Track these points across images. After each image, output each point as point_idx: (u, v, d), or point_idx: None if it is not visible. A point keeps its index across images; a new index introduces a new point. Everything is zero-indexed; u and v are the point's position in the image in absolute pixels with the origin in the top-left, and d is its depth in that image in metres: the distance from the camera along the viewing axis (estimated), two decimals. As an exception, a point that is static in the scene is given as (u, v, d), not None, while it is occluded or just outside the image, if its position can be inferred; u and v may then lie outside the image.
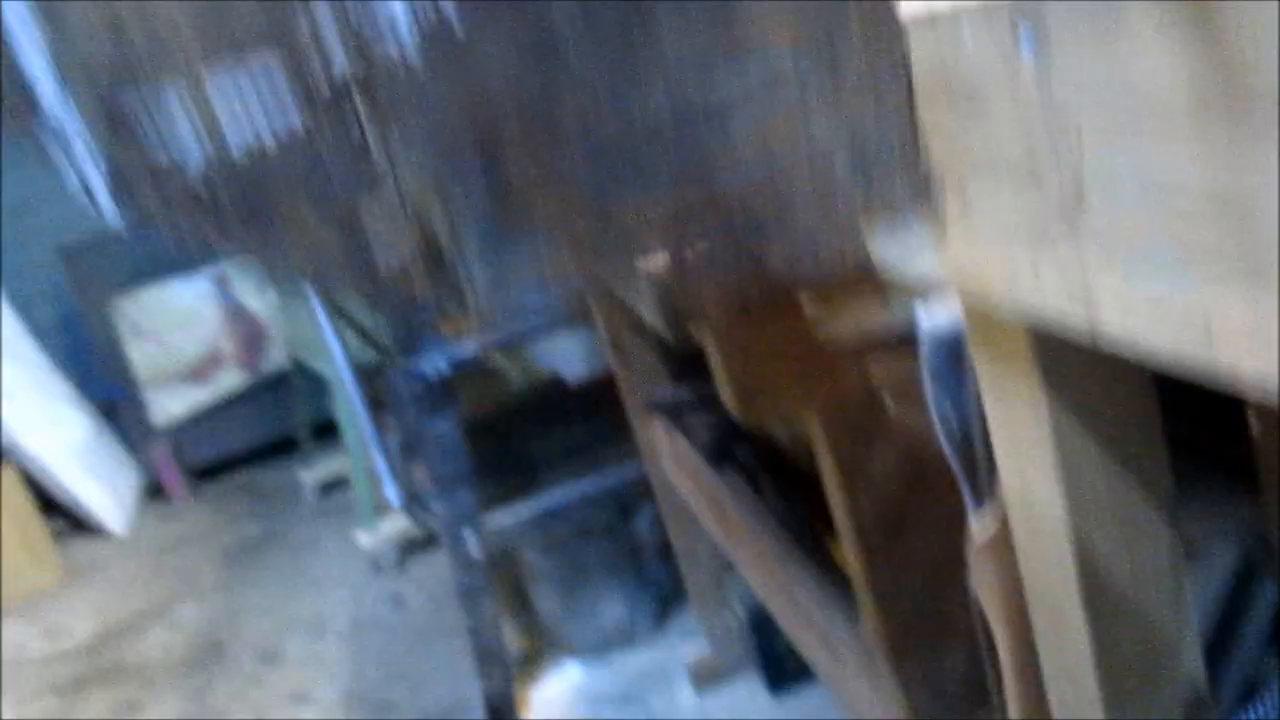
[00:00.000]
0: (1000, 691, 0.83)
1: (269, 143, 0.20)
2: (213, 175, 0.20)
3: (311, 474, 3.56)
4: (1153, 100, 0.40)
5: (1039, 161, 0.47)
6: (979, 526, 0.77)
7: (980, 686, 0.93)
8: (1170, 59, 0.39)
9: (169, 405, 3.87)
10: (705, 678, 2.05)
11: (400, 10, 0.19)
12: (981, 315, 0.64)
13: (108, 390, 3.90)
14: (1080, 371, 0.61)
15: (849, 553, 1.10)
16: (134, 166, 0.20)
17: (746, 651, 1.96)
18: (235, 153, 0.20)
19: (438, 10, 0.19)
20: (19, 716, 2.51)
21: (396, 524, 2.87)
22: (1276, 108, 0.35)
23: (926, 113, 0.55)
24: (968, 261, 0.56)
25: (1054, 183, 0.46)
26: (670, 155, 0.20)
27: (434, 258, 0.20)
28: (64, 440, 3.61)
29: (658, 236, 0.20)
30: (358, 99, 0.19)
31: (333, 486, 3.50)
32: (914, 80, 0.22)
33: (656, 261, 0.22)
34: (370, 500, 2.91)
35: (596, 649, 2.23)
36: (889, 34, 0.21)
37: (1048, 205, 0.47)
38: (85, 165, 0.20)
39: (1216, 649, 1.05)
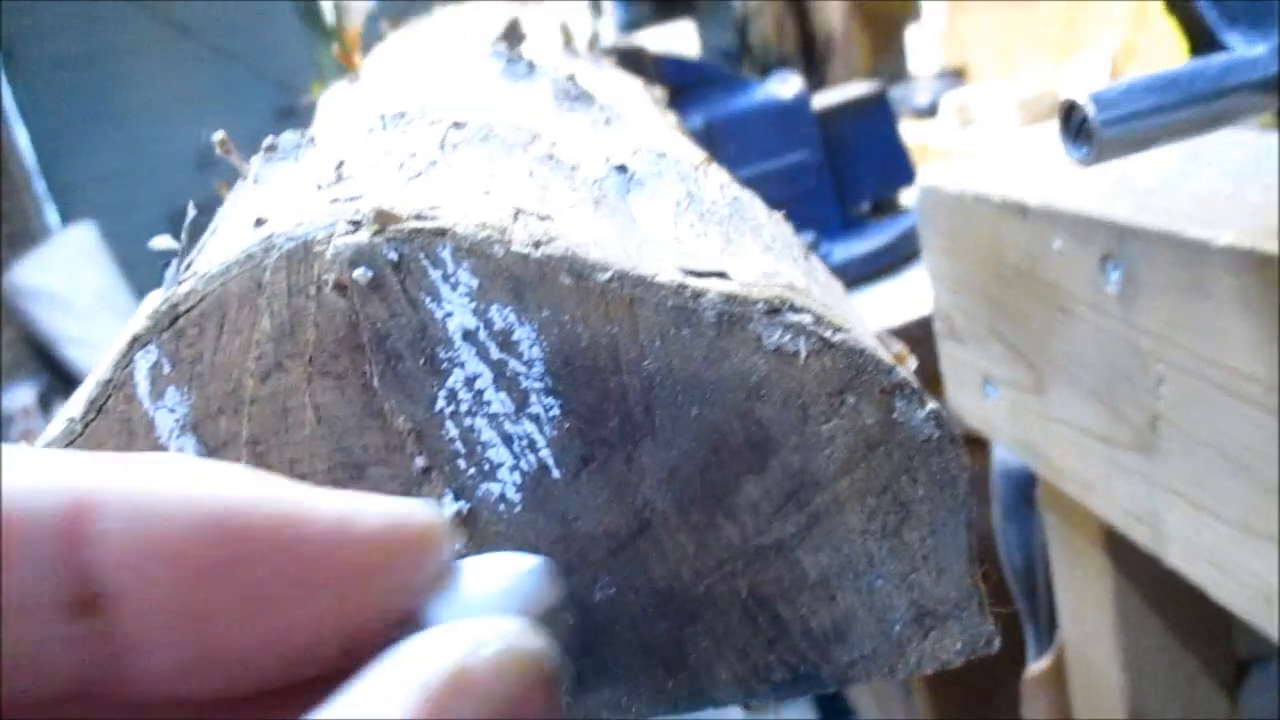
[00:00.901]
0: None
1: None
2: None
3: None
4: (1231, 369, 0.40)
5: (1118, 389, 0.47)
6: (1034, 658, 0.78)
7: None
8: (1250, 331, 0.39)
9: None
10: None
11: (506, 455, 0.21)
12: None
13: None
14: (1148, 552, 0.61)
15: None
16: None
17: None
18: None
19: (538, 457, 0.21)
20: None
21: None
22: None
23: (1011, 294, 0.55)
24: (1041, 439, 0.57)
25: (1131, 413, 0.47)
26: (740, 595, 0.22)
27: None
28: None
29: (727, 674, 0.22)
30: (461, 526, 0.21)
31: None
32: (974, 546, 0.24)
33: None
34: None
35: None
36: (954, 508, 0.22)
37: (1123, 432, 0.48)
38: None
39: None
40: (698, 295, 0.22)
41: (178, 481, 0.13)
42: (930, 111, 1.67)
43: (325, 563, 0.14)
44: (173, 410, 0.23)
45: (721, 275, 0.23)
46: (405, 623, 0.15)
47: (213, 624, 0.13)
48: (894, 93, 1.62)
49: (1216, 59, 0.37)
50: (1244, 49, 0.38)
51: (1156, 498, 0.47)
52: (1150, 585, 0.63)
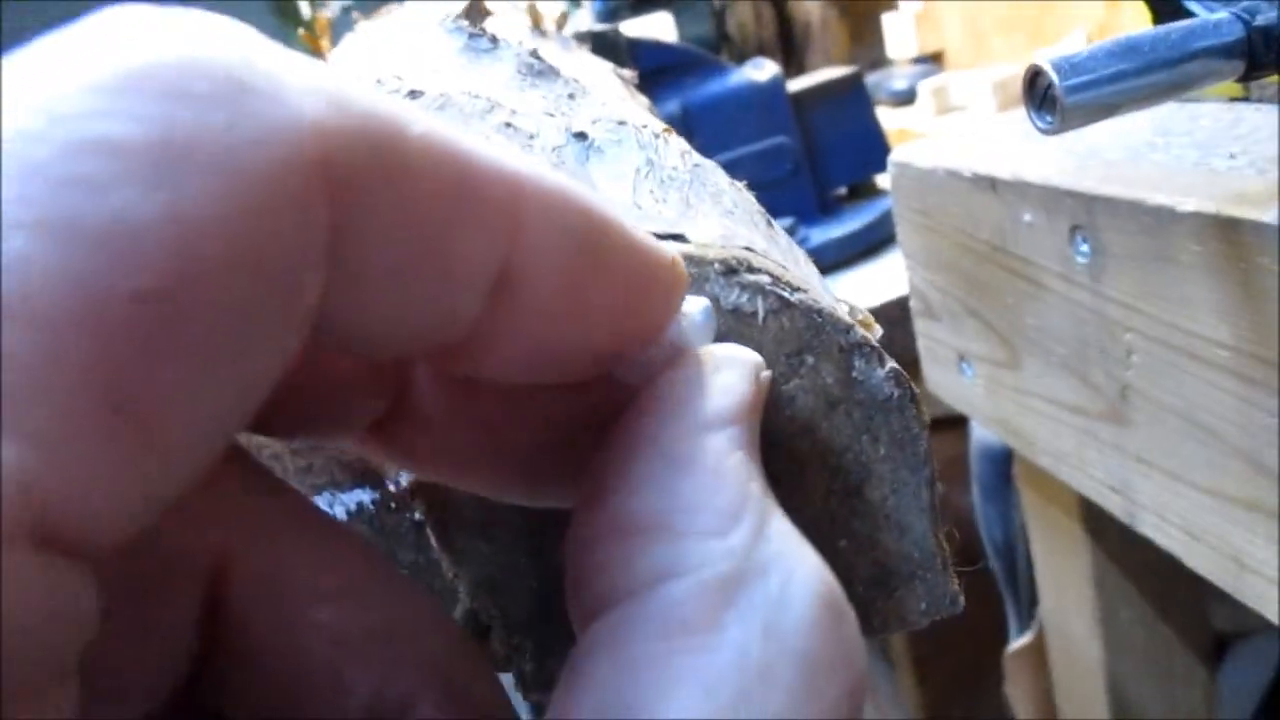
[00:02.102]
0: (1029, 786, 0.84)
1: (340, 515, 0.22)
2: None
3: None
4: (1198, 335, 0.41)
5: (1089, 360, 0.48)
6: (1016, 634, 0.78)
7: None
8: (1216, 297, 0.39)
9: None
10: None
11: None
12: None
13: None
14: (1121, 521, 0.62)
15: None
16: None
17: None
18: None
19: None
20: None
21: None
22: (1318, 389, 0.35)
23: (984, 270, 0.56)
24: (1016, 414, 0.57)
25: (1102, 384, 0.47)
26: None
27: (481, 635, 0.22)
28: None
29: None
30: (418, 491, 0.21)
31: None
32: (937, 504, 0.24)
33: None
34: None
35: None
36: (916, 467, 0.22)
37: (1095, 403, 0.48)
38: None
39: (1255, 739, 1.05)
40: (654, 256, 0.22)
41: (572, 190, 0.15)
42: (908, 98, 1.67)
43: (650, 279, 0.16)
44: None
45: (679, 238, 0.23)
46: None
47: (578, 317, 0.15)
48: (871, 79, 1.62)
49: (1180, 25, 0.37)
50: (1206, 14, 0.38)
51: (1128, 467, 0.47)
52: (1127, 560, 0.63)
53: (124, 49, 0.11)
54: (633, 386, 0.17)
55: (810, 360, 0.23)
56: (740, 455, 0.16)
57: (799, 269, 0.26)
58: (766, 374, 0.19)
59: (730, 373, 0.18)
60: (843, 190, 1.06)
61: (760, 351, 0.23)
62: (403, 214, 0.12)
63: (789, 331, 0.22)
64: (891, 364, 0.23)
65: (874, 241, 0.98)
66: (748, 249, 0.23)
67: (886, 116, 1.42)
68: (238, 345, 0.11)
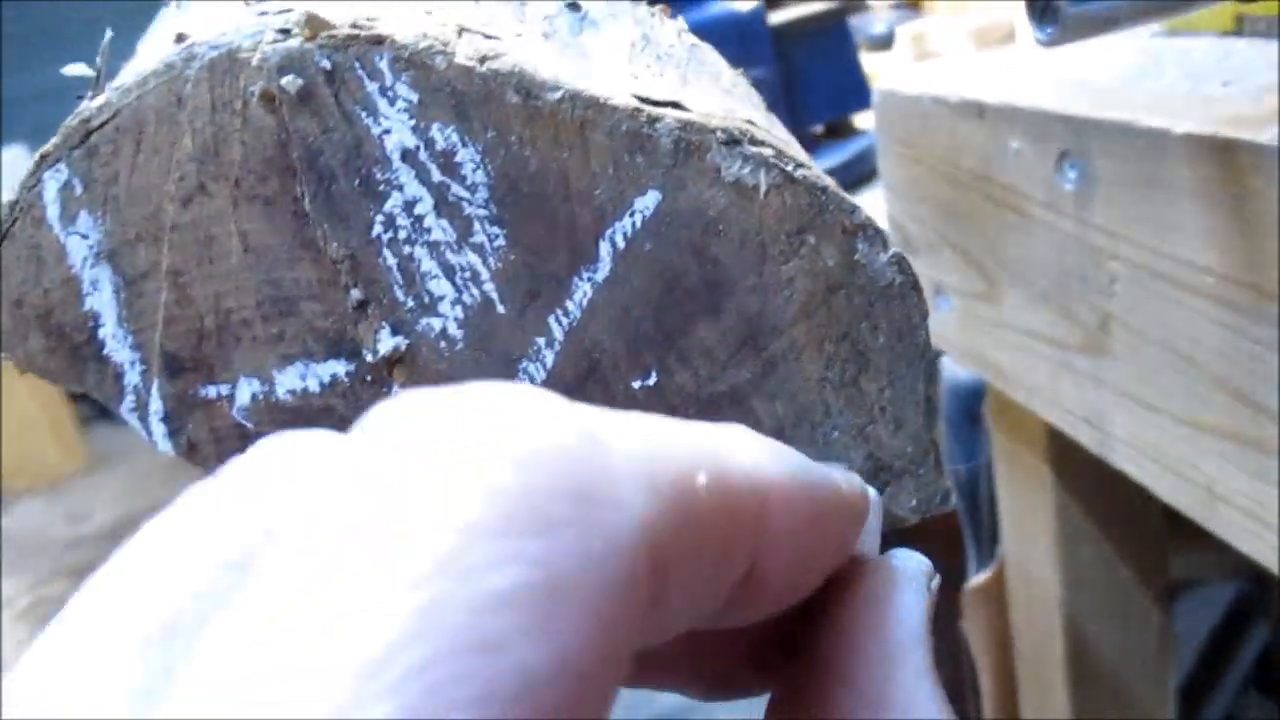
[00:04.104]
0: (980, 722, 0.85)
1: (314, 388, 0.21)
2: (260, 413, 0.21)
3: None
4: (1185, 262, 0.40)
5: (1070, 290, 0.47)
6: (975, 571, 0.79)
7: (963, 708, 0.96)
8: (1206, 223, 0.39)
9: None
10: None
11: (447, 288, 0.20)
12: (1000, 391, 0.64)
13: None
14: (1089, 459, 0.62)
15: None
16: (188, 401, 0.21)
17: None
18: (282, 394, 0.21)
19: (482, 291, 0.20)
20: (37, 595, 2.61)
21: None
22: (1304, 315, 0.35)
23: (967, 199, 0.55)
24: (991, 347, 0.57)
25: (1082, 315, 0.47)
26: None
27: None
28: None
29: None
30: (397, 364, 0.20)
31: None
32: (935, 403, 0.23)
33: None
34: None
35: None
36: (913, 359, 0.22)
37: (1073, 333, 0.48)
38: (139, 391, 0.21)
39: (1201, 685, 1.07)
40: (653, 121, 0.21)
41: (804, 476, 0.16)
42: (885, 42, 1.65)
43: (852, 521, 0.19)
44: (85, 236, 0.21)
45: (677, 105, 0.22)
46: None
47: (803, 578, 0.17)
48: (851, 23, 1.60)
49: (1185, -61, 0.36)
50: (1213, -70, 0.37)
51: (1104, 399, 0.47)
52: (1091, 499, 0.64)
53: (487, 471, 0.12)
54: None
55: (811, 240, 0.22)
56: (928, 687, 0.17)
57: (801, 152, 0.24)
58: (936, 581, 0.20)
59: (911, 592, 0.19)
60: (819, 128, 1.05)
61: (759, 228, 0.22)
62: (693, 559, 0.14)
63: (791, 209, 0.21)
64: (895, 249, 0.22)
65: (850, 181, 0.97)
66: (749, 122, 0.22)
67: (864, 61, 1.40)
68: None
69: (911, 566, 0.20)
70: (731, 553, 0.15)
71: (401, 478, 0.13)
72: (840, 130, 1.05)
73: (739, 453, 0.15)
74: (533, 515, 0.12)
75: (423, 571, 0.12)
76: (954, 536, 0.83)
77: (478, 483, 0.12)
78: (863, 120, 1.07)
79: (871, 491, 0.20)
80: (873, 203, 0.71)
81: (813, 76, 1.00)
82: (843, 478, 0.18)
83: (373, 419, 0.14)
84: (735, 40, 0.93)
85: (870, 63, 1.57)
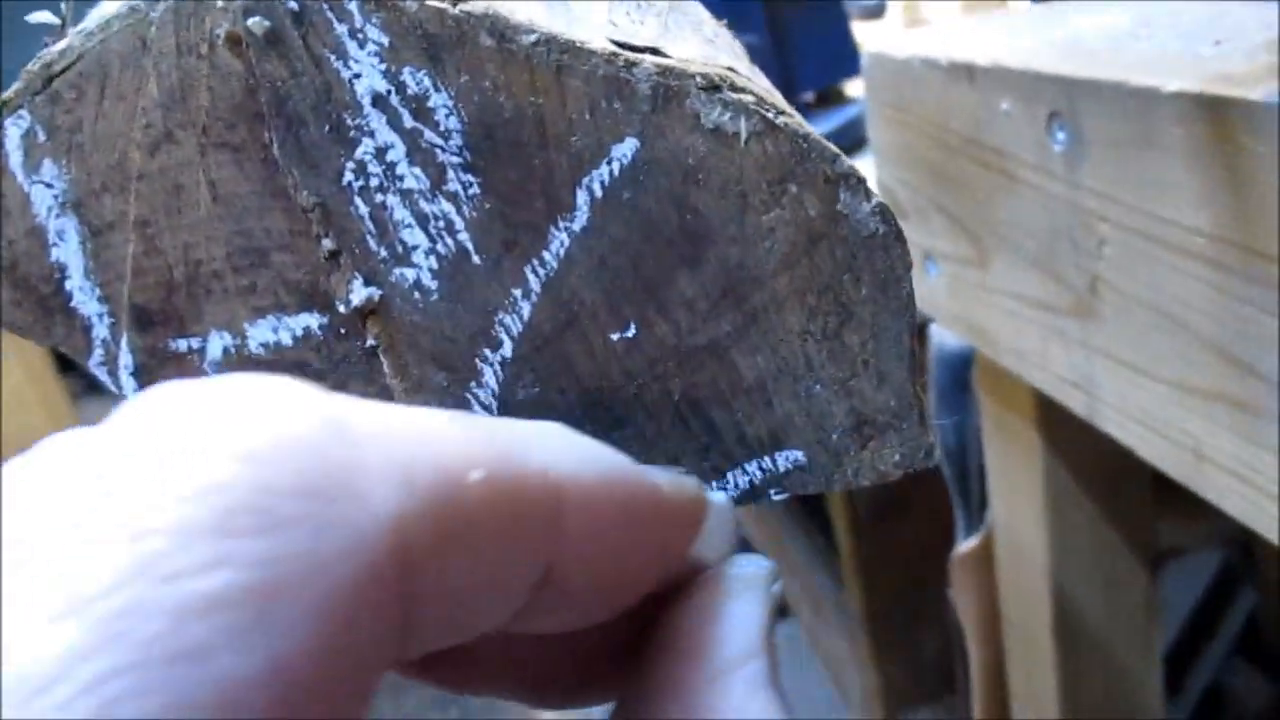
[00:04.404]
0: (967, 689, 0.86)
1: (287, 341, 0.20)
2: (231, 367, 0.21)
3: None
4: (1175, 223, 0.40)
5: (1059, 253, 0.47)
6: (963, 538, 0.79)
7: (951, 674, 0.96)
8: (1196, 183, 0.38)
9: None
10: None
11: (421, 237, 0.20)
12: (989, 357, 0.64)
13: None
14: (1077, 424, 0.62)
15: (837, 525, 1.12)
16: (158, 355, 0.21)
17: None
18: (254, 347, 0.20)
19: (456, 240, 0.20)
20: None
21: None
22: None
23: (956, 163, 0.54)
24: (980, 313, 0.56)
25: (1071, 278, 0.46)
26: (672, 398, 0.21)
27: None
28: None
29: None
30: (371, 315, 0.20)
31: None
32: (916, 352, 0.23)
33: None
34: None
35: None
36: (897, 311, 0.21)
37: (1062, 297, 0.47)
38: (108, 345, 0.21)
39: (1188, 652, 1.08)
40: (631, 65, 0.20)
41: (609, 473, 0.16)
42: (877, 11, 1.64)
43: (676, 521, 0.18)
44: (50, 185, 0.21)
45: (656, 51, 0.21)
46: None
47: (613, 584, 0.17)
48: (841, -9, 1.58)
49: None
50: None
51: (1093, 363, 0.47)
52: (1080, 466, 0.64)
53: (213, 474, 0.12)
54: (653, 594, 0.19)
55: (793, 189, 0.21)
56: (763, 698, 0.17)
57: (783, 101, 0.24)
58: (778, 586, 0.20)
59: (748, 600, 0.19)
60: (810, 96, 1.04)
61: (740, 177, 0.21)
62: (462, 562, 0.14)
63: (772, 157, 0.21)
64: (878, 198, 0.22)
65: (841, 149, 0.96)
66: (730, 69, 0.22)
67: (855, 30, 1.39)
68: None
69: (750, 573, 0.19)
70: (518, 552, 0.14)
71: (121, 477, 0.12)
72: (830, 98, 1.04)
73: (533, 450, 0.15)
74: (256, 513, 0.12)
75: (120, 575, 0.11)
76: (942, 503, 0.83)
77: (197, 480, 0.12)
78: (853, 88, 1.06)
79: (718, 496, 0.20)
80: (863, 170, 0.70)
81: (804, 44, 0.99)
82: (668, 480, 0.18)
83: (118, 412, 0.13)
84: (725, 5, 0.92)
85: (862, 31, 1.56)
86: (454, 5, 0.20)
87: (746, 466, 0.23)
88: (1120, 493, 0.64)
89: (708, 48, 0.24)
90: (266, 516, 0.12)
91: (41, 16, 0.24)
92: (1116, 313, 0.44)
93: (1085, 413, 0.49)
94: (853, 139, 0.95)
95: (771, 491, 0.23)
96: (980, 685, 0.79)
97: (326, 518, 0.12)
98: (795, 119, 0.21)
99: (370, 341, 0.22)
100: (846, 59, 1.01)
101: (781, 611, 1.92)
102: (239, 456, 0.12)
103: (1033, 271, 0.49)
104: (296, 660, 0.11)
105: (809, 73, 1.01)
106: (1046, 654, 0.68)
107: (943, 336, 0.74)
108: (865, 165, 0.65)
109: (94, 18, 0.21)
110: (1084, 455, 0.62)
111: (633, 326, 0.22)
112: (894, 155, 0.61)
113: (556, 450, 0.15)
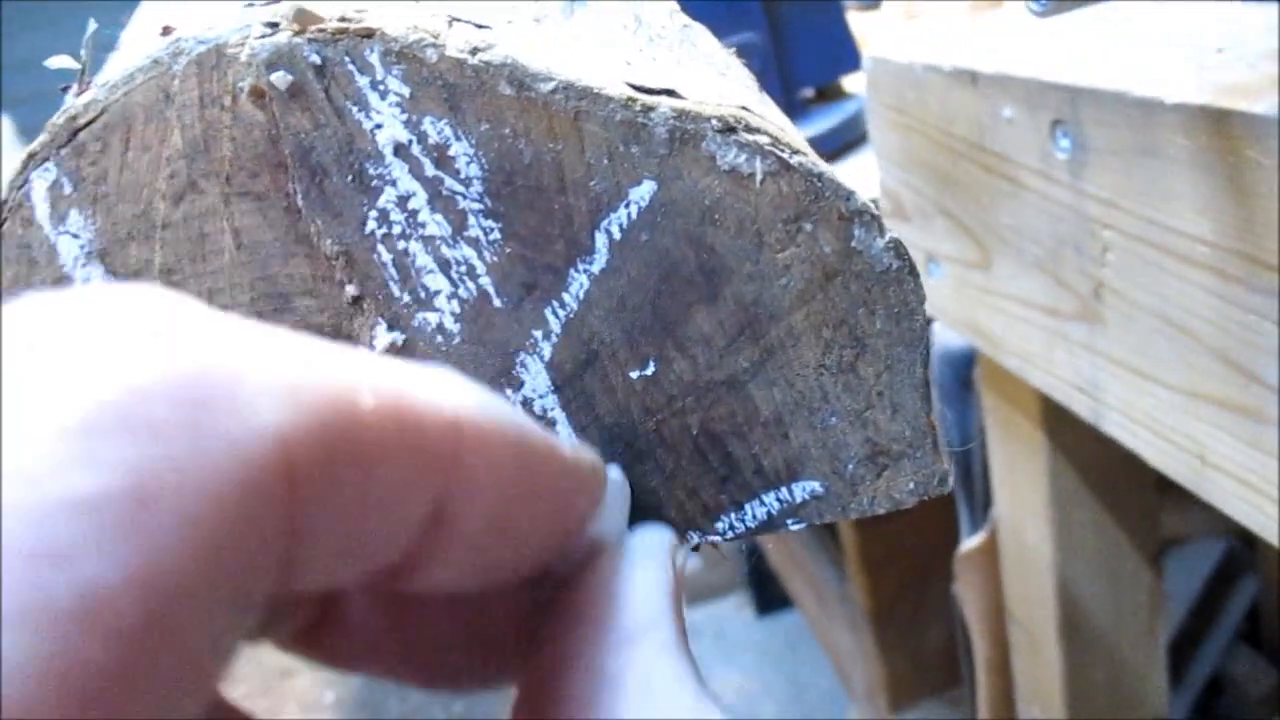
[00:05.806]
0: (972, 682, 0.86)
1: None
2: None
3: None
4: (1178, 231, 0.40)
5: (1063, 259, 0.47)
6: (968, 536, 0.80)
7: (955, 668, 0.97)
8: (1199, 192, 0.39)
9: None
10: (695, 593, 2.11)
11: (443, 282, 0.20)
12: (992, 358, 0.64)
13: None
14: (1081, 422, 0.62)
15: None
16: None
17: (738, 573, 2.01)
18: None
19: (478, 284, 0.20)
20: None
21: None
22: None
23: (959, 167, 0.55)
24: (984, 315, 0.57)
25: (1075, 284, 0.47)
26: (690, 432, 0.21)
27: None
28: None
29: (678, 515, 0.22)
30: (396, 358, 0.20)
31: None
32: (930, 386, 0.23)
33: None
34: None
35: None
36: (911, 343, 0.22)
37: (1067, 302, 0.48)
38: None
39: (1190, 640, 1.09)
40: (648, 110, 0.21)
41: (506, 420, 0.15)
42: (873, 3, 1.64)
43: (574, 488, 0.18)
44: (76, 235, 0.21)
45: (672, 93, 0.21)
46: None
47: (509, 538, 0.16)
48: (838, -18, 1.58)
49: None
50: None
51: (1098, 367, 0.47)
52: (1083, 463, 0.64)
53: (87, 377, 0.11)
54: (555, 575, 0.19)
55: (808, 227, 0.21)
56: (668, 663, 0.17)
57: (796, 135, 0.24)
58: (684, 553, 0.20)
59: (649, 568, 0.19)
60: (809, 92, 1.04)
61: (756, 216, 0.21)
62: (352, 486, 0.13)
63: (787, 196, 0.21)
64: (892, 234, 0.22)
65: (840, 145, 0.96)
66: (744, 108, 0.22)
67: (851, 21, 1.39)
68: (202, 644, 0.12)
69: (651, 541, 0.19)
70: (409, 484, 0.14)
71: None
72: (829, 94, 1.04)
73: (437, 388, 0.14)
74: (131, 419, 0.11)
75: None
76: (947, 502, 0.84)
77: (74, 385, 0.11)
78: (852, 83, 1.06)
79: (612, 472, 0.20)
80: (864, 167, 0.70)
81: (803, 40, 0.99)
82: (570, 446, 0.18)
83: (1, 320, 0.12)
84: (725, 4, 0.92)
85: (859, 23, 1.56)
86: (473, 55, 0.20)
87: (764, 497, 0.23)
88: (1123, 489, 0.65)
89: (720, 82, 0.24)
90: (139, 421, 0.11)
91: (60, 61, 0.24)
92: (1121, 319, 0.44)
93: (1090, 417, 0.49)
94: (853, 135, 0.95)
95: (789, 521, 0.24)
96: (985, 680, 0.79)
97: (206, 426, 0.11)
98: (809, 157, 0.22)
99: None
100: (845, 55, 1.01)
101: (786, 603, 1.93)
102: (116, 362, 0.12)
103: (1036, 276, 0.50)
104: (166, 569, 0.11)
105: (808, 69, 1.00)
106: (1051, 650, 0.69)
107: (945, 333, 0.75)
108: (865, 160, 0.65)
109: (116, 69, 0.21)
110: (1087, 452, 0.63)
111: (652, 364, 0.22)
112: (897, 158, 0.61)
113: (456, 390, 0.15)
